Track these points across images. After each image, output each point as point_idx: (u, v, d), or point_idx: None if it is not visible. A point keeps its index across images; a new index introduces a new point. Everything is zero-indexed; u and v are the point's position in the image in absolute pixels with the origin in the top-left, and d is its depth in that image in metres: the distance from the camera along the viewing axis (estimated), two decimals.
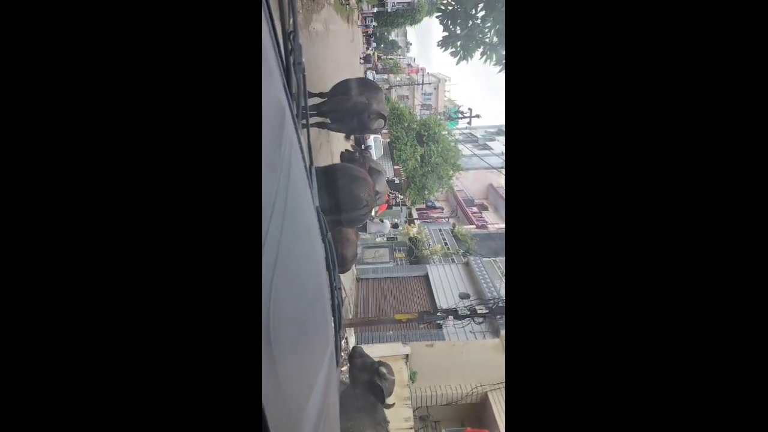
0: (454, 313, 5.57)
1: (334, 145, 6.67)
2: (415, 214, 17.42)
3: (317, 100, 4.19)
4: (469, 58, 6.86)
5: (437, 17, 6.75)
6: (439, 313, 5.62)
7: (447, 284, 8.47)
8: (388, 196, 13.79)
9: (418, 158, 17.38)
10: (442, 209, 22.34)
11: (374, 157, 6.69)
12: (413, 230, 9.69)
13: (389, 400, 3.71)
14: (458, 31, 6.56)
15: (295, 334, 0.83)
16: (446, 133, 18.90)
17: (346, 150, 5.15)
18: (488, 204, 23.68)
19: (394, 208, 12.13)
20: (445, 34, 6.86)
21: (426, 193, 18.32)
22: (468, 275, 8.73)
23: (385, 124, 4.14)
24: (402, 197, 13.52)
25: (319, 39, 6.65)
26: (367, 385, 3.67)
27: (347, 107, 3.89)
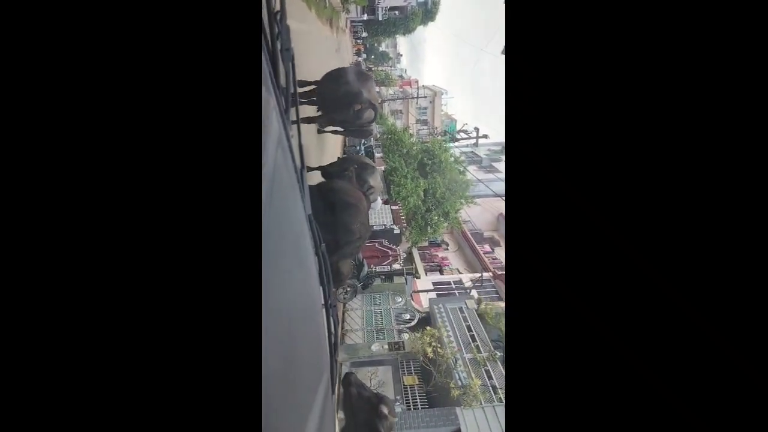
0: None
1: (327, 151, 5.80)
2: (419, 266, 14.01)
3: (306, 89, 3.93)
4: None
5: None
6: None
7: None
8: (389, 252, 10.49)
9: (421, 193, 14.18)
10: (447, 245, 19.18)
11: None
12: (429, 348, 6.17)
13: None
14: None
15: (281, 364, 0.68)
16: (453, 158, 15.84)
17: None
18: (499, 237, 20.53)
19: (396, 279, 8.68)
20: None
21: (430, 231, 15.18)
22: None
23: (376, 116, 3.93)
24: (407, 265, 10.04)
25: None
26: (366, 427, 3.06)
27: (337, 96, 3.66)
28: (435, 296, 9.46)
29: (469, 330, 7.94)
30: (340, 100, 3.68)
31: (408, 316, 7.77)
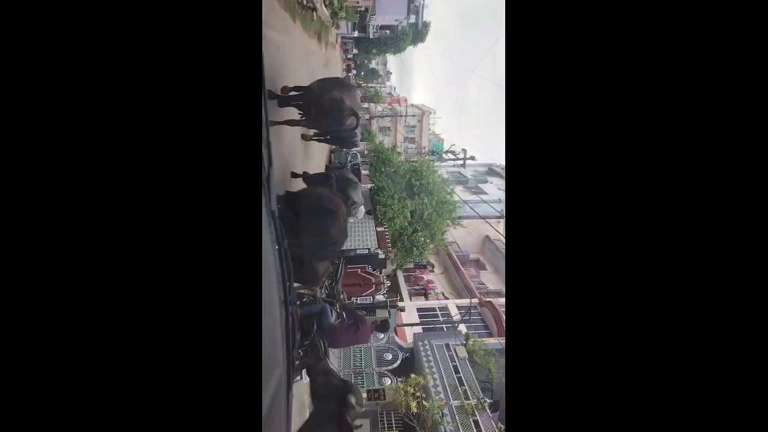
0: None
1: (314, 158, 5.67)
2: (404, 289, 13.40)
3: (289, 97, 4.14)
4: None
5: None
6: None
7: None
8: (371, 279, 9.82)
9: (408, 215, 13.66)
10: (432, 267, 18.62)
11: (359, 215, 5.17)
12: (414, 402, 5.44)
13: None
14: None
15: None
16: (441, 180, 15.47)
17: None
18: (485, 260, 20.09)
19: (379, 312, 7.99)
20: None
21: (416, 253, 14.62)
22: None
23: (357, 124, 4.08)
24: (391, 296, 9.36)
25: None
26: (333, 418, 2.96)
27: (320, 103, 3.84)
28: (421, 331, 8.80)
29: (456, 372, 7.29)
30: (322, 108, 3.79)
31: (390, 356, 7.07)
